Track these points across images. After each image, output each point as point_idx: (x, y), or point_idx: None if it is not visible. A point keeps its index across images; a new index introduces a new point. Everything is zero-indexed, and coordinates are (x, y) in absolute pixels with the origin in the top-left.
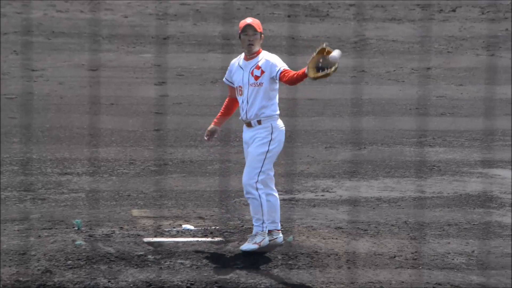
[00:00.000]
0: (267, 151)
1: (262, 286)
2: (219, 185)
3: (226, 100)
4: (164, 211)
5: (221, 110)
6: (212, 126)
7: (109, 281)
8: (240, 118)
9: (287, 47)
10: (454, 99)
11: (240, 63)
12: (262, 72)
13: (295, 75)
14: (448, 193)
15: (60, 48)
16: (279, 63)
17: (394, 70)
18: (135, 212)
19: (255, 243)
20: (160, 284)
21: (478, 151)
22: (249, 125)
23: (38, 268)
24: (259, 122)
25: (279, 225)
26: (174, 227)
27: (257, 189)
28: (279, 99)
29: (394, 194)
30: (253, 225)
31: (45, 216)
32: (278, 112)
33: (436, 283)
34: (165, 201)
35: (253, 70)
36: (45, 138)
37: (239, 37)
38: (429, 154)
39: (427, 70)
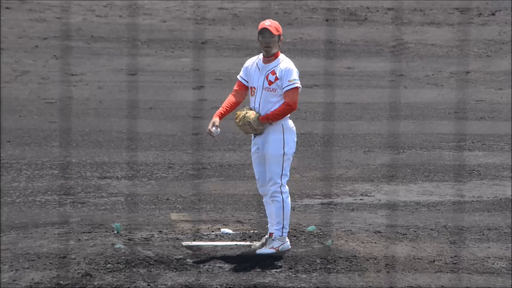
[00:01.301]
0: (283, 154)
1: None
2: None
3: (231, 98)
4: (203, 215)
5: (225, 107)
6: (216, 118)
7: (148, 285)
8: None
9: (325, 51)
10: (493, 103)
11: (259, 64)
12: (276, 78)
13: (273, 113)
14: (488, 197)
15: (99, 52)
16: (292, 76)
17: (433, 74)
18: (174, 215)
19: (272, 247)
20: (199, 287)
21: None
22: None
23: (78, 271)
24: (270, 123)
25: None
26: (212, 231)
27: (281, 192)
28: (318, 103)
29: (433, 198)
30: (267, 228)
31: (85, 219)
32: (287, 121)
33: None
34: (204, 205)
35: (268, 74)
36: (84, 142)
37: (258, 39)
38: (468, 158)
39: (466, 74)
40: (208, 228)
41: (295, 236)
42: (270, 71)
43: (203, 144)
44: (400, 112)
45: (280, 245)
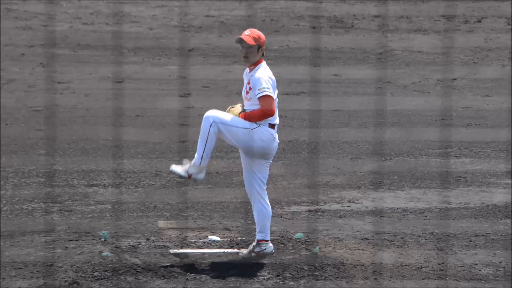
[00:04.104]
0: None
1: None
2: (245, 196)
3: None
4: (190, 223)
5: None
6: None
7: None
8: None
9: (312, 58)
10: (480, 109)
11: (244, 73)
12: (250, 88)
13: (249, 114)
14: (475, 204)
15: (85, 60)
16: (261, 84)
17: (420, 81)
18: (161, 223)
19: (183, 170)
20: None
21: (505, 162)
22: None
23: (65, 279)
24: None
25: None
26: (200, 238)
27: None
28: (304, 110)
29: (420, 205)
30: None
31: (72, 227)
32: (266, 123)
33: None
34: (191, 212)
35: (247, 83)
36: (71, 150)
37: None
38: (455, 165)
39: (453, 81)
40: (196, 236)
41: (282, 243)
42: (247, 80)
43: (190, 152)
44: (387, 119)
45: (261, 250)
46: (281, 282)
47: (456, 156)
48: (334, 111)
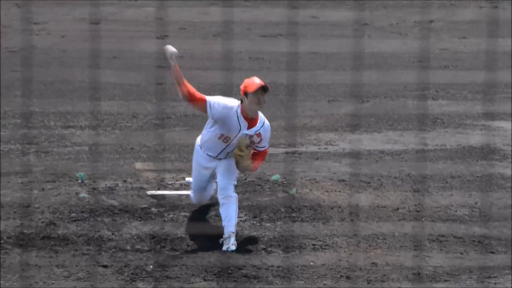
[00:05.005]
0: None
1: (266, 239)
2: None
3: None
4: (167, 164)
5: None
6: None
7: (113, 234)
8: (211, 155)
9: (289, 0)
10: (457, 52)
11: (240, 120)
12: (261, 140)
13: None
14: (451, 146)
15: (61, 1)
16: (269, 137)
17: (397, 23)
18: (138, 165)
19: (234, 244)
20: (163, 236)
21: (481, 104)
22: (219, 159)
23: (42, 220)
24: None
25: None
26: (177, 180)
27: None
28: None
29: (397, 146)
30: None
31: (49, 169)
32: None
33: (439, 235)
34: (168, 154)
35: (254, 136)
36: (47, 91)
37: (245, 96)
38: (432, 107)
39: (430, 23)
40: (173, 178)
41: (259, 185)
42: (256, 133)
43: (167, 94)
44: (364, 61)
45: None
46: (258, 224)
47: (433, 98)
48: (311, 53)
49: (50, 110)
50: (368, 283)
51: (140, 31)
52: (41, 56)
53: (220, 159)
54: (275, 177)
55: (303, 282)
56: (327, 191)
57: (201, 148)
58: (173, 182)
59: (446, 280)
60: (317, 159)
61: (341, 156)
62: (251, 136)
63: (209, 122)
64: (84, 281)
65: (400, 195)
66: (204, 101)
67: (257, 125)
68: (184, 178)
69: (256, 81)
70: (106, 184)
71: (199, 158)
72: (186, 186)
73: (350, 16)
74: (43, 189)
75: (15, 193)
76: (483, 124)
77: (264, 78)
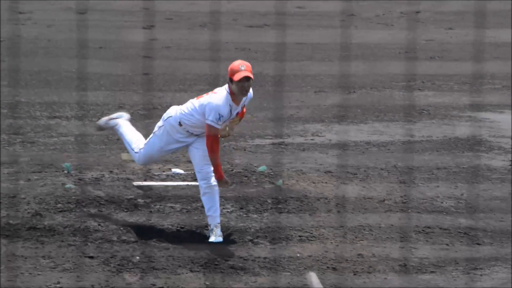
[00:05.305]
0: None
1: (252, 230)
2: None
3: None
4: None
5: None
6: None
7: (99, 225)
8: (196, 134)
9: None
10: (443, 42)
11: (232, 108)
12: (244, 106)
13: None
14: (437, 137)
15: None
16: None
17: (384, 14)
18: (125, 156)
19: (220, 235)
20: (150, 227)
21: (467, 95)
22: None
23: (28, 211)
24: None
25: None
26: (163, 171)
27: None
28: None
29: (384, 138)
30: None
31: (35, 159)
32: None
33: (425, 226)
34: None
35: (240, 111)
36: (33, 81)
37: (231, 83)
38: (418, 98)
39: (416, 14)
40: (159, 168)
41: (246, 176)
42: (242, 106)
43: (154, 84)
44: (351, 52)
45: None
46: (244, 215)
47: (419, 89)
48: (298, 44)
49: (36, 100)
50: (354, 274)
51: (126, 21)
52: (27, 45)
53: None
54: (262, 168)
55: (289, 273)
56: (313, 182)
57: (180, 125)
58: (159, 173)
59: (432, 272)
60: (304, 150)
61: (327, 147)
62: (238, 112)
63: (195, 108)
64: (70, 272)
65: (386, 187)
66: (216, 129)
67: (243, 100)
68: (170, 169)
69: (241, 69)
70: (92, 175)
71: (174, 132)
72: (173, 177)
73: (337, 7)
74: (29, 179)
75: (1, 184)
76: (469, 116)
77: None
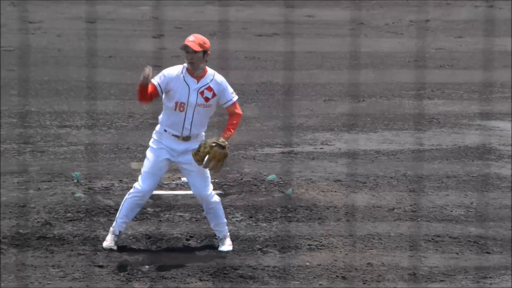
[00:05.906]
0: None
1: (261, 239)
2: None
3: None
4: None
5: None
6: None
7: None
8: (176, 134)
9: None
10: (453, 51)
11: (186, 79)
12: (214, 95)
13: (233, 127)
14: (447, 145)
15: (57, 0)
16: (230, 89)
17: (393, 23)
18: (134, 165)
19: (229, 244)
20: (159, 236)
21: (477, 103)
22: (186, 139)
23: (38, 220)
24: (197, 136)
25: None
26: (173, 180)
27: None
28: (278, 52)
29: (393, 146)
30: (217, 231)
31: (44, 168)
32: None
33: (434, 235)
34: None
35: (203, 91)
36: (43, 90)
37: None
38: (428, 107)
39: (426, 22)
40: (169, 177)
41: (255, 185)
42: (204, 87)
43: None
44: (360, 60)
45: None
46: (254, 224)
47: (429, 98)
48: (307, 52)
49: (46, 110)
50: (363, 283)
51: (136, 30)
52: (37, 55)
53: (185, 138)
54: (271, 177)
55: (299, 282)
56: (323, 191)
57: (165, 131)
58: (168, 182)
59: (441, 281)
60: (313, 159)
61: (337, 156)
62: (202, 92)
63: (163, 103)
64: (79, 281)
65: (395, 195)
66: (153, 84)
67: (205, 78)
68: (180, 178)
69: (187, 39)
70: (102, 184)
71: (165, 141)
72: (182, 186)
73: (346, 15)
74: (39, 188)
75: (11, 193)
76: (479, 124)
77: (260, 78)
